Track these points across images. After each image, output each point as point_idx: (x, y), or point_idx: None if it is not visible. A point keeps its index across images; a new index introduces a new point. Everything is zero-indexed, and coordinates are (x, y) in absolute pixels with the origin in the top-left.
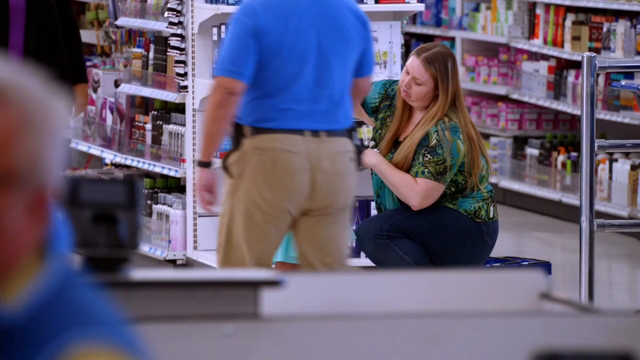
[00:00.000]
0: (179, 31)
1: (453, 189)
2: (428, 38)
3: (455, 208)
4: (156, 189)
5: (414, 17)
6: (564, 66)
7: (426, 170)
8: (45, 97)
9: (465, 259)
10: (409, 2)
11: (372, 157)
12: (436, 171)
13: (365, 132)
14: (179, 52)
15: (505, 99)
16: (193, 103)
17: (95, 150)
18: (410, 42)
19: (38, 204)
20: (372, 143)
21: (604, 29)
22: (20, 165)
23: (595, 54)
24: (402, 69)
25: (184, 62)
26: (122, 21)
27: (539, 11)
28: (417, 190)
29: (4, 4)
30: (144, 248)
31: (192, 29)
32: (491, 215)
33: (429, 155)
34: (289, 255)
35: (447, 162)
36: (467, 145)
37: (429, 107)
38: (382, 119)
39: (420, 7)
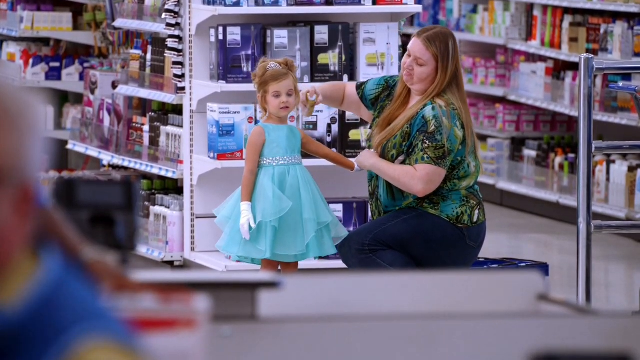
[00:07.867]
0: (176, 32)
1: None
2: None
3: (437, 214)
4: (153, 191)
5: (412, 19)
6: (561, 68)
7: (426, 155)
8: (21, 94)
9: (451, 264)
10: (406, 4)
11: (369, 158)
12: (436, 156)
13: (363, 134)
14: (176, 53)
15: (502, 100)
16: (190, 104)
17: (93, 152)
18: (408, 43)
19: (24, 200)
20: (368, 144)
21: (602, 31)
22: (6, 161)
23: (592, 56)
24: (399, 70)
25: (181, 64)
26: (119, 23)
27: (537, 13)
28: (417, 177)
29: None
30: (142, 249)
31: (189, 31)
32: (475, 220)
33: (427, 142)
34: (275, 254)
35: (445, 147)
36: (463, 131)
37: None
38: (380, 107)
39: (418, 8)
